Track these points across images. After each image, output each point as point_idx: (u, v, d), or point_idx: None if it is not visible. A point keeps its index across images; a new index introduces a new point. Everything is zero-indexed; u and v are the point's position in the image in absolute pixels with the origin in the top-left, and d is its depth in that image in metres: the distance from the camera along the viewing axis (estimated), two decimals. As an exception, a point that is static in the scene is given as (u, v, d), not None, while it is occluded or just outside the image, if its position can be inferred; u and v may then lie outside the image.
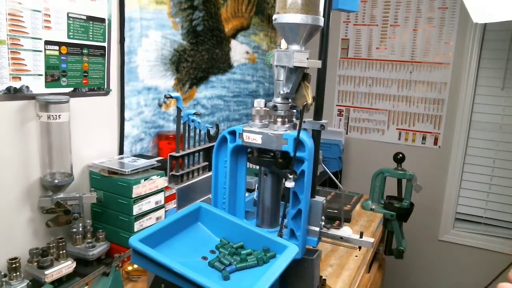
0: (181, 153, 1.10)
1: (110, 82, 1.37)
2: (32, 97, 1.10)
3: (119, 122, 1.44)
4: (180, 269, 0.65)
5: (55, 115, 1.10)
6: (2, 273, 0.93)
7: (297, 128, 0.79)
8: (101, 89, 1.34)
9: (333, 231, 0.91)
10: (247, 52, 2.26)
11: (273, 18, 0.79)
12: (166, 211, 1.32)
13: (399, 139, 2.70)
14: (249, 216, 0.95)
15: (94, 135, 1.33)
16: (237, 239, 0.81)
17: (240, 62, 2.19)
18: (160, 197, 1.29)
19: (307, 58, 0.79)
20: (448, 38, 2.49)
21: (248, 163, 0.90)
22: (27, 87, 1.09)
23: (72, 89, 1.23)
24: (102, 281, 0.96)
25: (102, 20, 1.29)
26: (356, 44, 2.73)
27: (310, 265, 0.87)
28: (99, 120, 1.35)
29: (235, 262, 0.74)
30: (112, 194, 1.22)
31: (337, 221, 1.69)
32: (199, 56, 1.86)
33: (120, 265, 0.99)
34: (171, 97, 1.07)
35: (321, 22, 0.79)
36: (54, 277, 1.00)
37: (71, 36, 1.20)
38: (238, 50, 2.16)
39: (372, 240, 0.89)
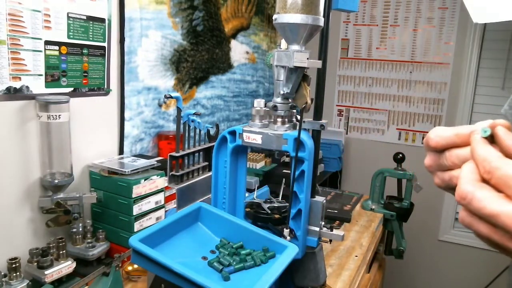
0: (181, 153, 1.10)
1: (110, 82, 1.37)
2: (32, 97, 1.11)
3: (119, 122, 1.44)
4: (180, 269, 0.65)
5: (55, 115, 1.10)
6: (2, 273, 0.93)
7: (297, 128, 0.79)
8: (101, 89, 1.34)
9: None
10: (247, 52, 2.26)
11: (273, 18, 0.79)
12: (166, 211, 1.32)
13: (399, 139, 2.70)
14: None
15: (94, 135, 1.33)
16: (237, 239, 0.81)
17: (240, 62, 2.19)
18: (160, 197, 1.29)
19: (307, 58, 0.79)
20: (448, 38, 2.49)
21: (248, 163, 0.90)
22: (27, 87, 1.10)
23: (72, 89, 1.23)
24: (102, 281, 0.96)
25: (102, 20, 1.29)
26: (356, 44, 2.73)
27: (313, 258, 0.88)
28: (99, 120, 1.35)
29: (234, 263, 0.74)
30: (112, 194, 1.22)
31: (337, 221, 1.69)
32: (199, 56, 1.86)
33: (120, 265, 0.99)
34: (171, 97, 1.07)
35: (321, 22, 0.79)
36: (54, 277, 1.00)
37: (71, 36, 1.20)
38: (238, 50, 2.16)
39: (342, 233, 0.88)
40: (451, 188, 0.41)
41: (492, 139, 0.37)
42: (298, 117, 0.82)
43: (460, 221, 0.38)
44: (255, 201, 0.95)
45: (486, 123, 0.38)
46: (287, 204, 0.86)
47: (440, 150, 0.41)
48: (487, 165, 0.35)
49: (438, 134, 0.40)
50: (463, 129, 0.39)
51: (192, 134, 1.14)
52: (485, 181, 0.36)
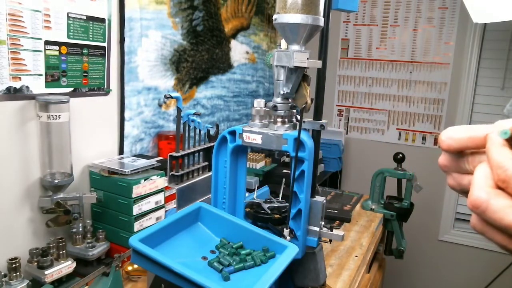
0: (181, 153, 1.10)
1: (110, 82, 1.37)
2: (32, 97, 1.11)
3: (119, 122, 1.44)
4: (180, 269, 0.65)
5: (55, 115, 1.10)
6: (2, 273, 0.93)
7: (297, 128, 0.79)
8: (101, 89, 1.34)
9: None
10: (247, 52, 2.26)
11: (273, 18, 0.79)
12: (166, 211, 1.32)
13: (399, 139, 2.70)
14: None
15: (94, 135, 1.33)
16: (237, 239, 0.81)
17: (240, 62, 2.19)
18: (160, 197, 1.29)
19: (307, 58, 0.79)
20: (448, 38, 2.49)
21: (248, 163, 0.90)
22: (27, 87, 1.10)
23: (72, 89, 1.23)
24: (102, 281, 0.96)
25: (102, 20, 1.29)
26: (356, 44, 2.73)
27: (313, 258, 0.88)
28: (99, 120, 1.35)
29: (234, 263, 0.74)
30: (112, 194, 1.22)
31: (337, 221, 1.69)
32: (199, 56, 1.86)
33: (120, 265, 0.99)
34: (171, 97, 1.07)
35: (321, 22, 0.79)
36: (54, 277, 1.00)
37: (71, 36, 1.20)
38: (238, 50, 2.16)
39: (342, 233, 0.88)
40: (467, 192, 0.38)
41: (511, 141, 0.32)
42: (298, 117, 0.82)
43: (472, 227, 0.35)
44: (255, 201, 0.95)
45: (507, 123, 0.33)
46: (287, 204, 0.86)
47: (458, 152, 0.38)
48: (502, 173, 0.31)
49: (450, 136, 0.37)
50: (477, 131, 0.36)
51: (192, 134, 1.14)
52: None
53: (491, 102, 2.45)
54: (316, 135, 0.86)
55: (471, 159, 0.37)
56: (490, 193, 0.32)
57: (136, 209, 1.20)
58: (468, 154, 0.37)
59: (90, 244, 1.13)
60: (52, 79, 1.16)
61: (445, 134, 0.37)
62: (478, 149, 0.36)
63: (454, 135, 0.37)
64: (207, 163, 1.20)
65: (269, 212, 0.90)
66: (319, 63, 0.84)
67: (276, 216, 0.89)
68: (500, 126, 0.33)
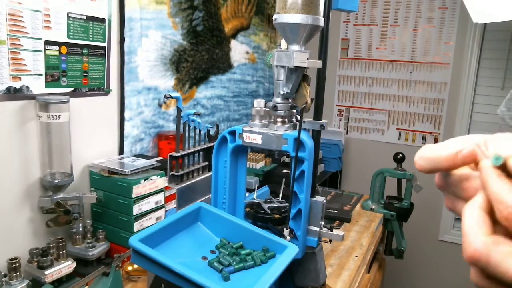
0: (181, 153, 1.10)
1: (110, 82, 1.37)
2: (32, 97, 1.11)
3: (119, 122, 1.44)
4: (180, 269, 0.65)
5: (55, 115, 1.10)
6: (2, 273, 0.93)
7: (297, 128, 0.79)
8: (101, 89, 1.34)
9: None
10: (247, 52, 2.26)
11: (273, 18, 0.79)
12: (166, 211, 1.32)
13: (399, 139, 2.70)
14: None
15: (94, 135, 1.33)
16: (237, 239, 0.81)
17: (240, 62, 2.19)
18: (160, 197, 1.29)
19: (307, 58, 0.79)
20: (448, 38, 2.49)
21: (248, 163, 0.90)
22: (27, 87, 1.10)
23: (72, 89, 1.23)
24: (102, 281, 0.96)
25: (102, 20, 1.29)
26: (356, 44, 2.73)
27: (313, 258, 0.88)
28: (99, 120, 1.35)
29: (234, 263, 0.74)
30: (112, 194, 1.22)
31: (337, 221, 1.69)
32: (199, 56, 1.86)
33: (120, 265, 0.99)
34: (171, 97, 1.07)
35: (321, 22, 0.79)
36: (54, 277, 1.00)
37: (71, 36, 1.20)
38: (238, 50, 2.16)
39: (342, 233, 0.88)
40: None
41: (504, 167, 0.28)
42: (298, 117, 0.82)
43: (472, 281, 0.30)
44: (255, 201, 0.95)
45: (501, 146, 0.29)
46: (287, 204, 0.86)
47: (448, 172, 0.34)
48: (504, 210, 0.27)
49: (420, 156, 0.34)
50: (447, 149, 0.32)
51: (192, 134, 1.14)
52: (496, 220, 0.28)
53: (491, 102, 2.45)
54: (316, 135, 0.86)
55: (467, 185, 0.32)
56: (488, 243, 0.28)
57: (136, 209, 1.20)
58: (463, 179, 0.33)
59: (90, 244, 1.13)
60: (52, 79, 1.16)
61: (418, 153, 0.34)
62: (453, 169, 0.32)
63: (425, 154, 0.33)
64: (207, 163, 1.19)
65: (269, 212, 0.90)
66: (319, 63, 0.84)
67: (276, 216, 0.89)
68: (492, 145, 0.29)
